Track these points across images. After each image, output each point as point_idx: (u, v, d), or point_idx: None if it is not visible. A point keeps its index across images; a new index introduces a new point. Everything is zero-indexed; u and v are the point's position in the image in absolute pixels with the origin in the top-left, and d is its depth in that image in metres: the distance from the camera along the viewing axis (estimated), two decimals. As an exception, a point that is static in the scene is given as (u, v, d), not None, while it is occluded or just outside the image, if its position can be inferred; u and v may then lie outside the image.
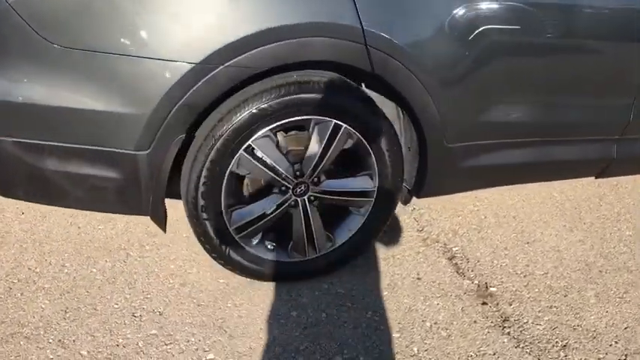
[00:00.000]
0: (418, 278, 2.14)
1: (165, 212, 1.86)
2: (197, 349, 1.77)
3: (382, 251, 2.26)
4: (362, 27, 1.69)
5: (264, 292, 2.01)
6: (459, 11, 1.79)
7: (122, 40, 1.58)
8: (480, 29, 1.82)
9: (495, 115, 2.00)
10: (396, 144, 1.93)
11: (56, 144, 1.68)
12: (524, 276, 2.17)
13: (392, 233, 2.36)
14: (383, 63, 1.77)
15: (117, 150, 1.68)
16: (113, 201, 1.78)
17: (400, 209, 2.45)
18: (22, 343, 1.75)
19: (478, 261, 2.24)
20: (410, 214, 2.51)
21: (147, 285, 2.01)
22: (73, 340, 1.77)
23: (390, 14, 1.74)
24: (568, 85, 2.07)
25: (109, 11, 1.57)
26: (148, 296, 1.96)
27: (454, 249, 2.31)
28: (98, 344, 1.76)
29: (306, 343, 1.82)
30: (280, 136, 1.91)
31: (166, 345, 1.78)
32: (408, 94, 1.86)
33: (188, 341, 1.80)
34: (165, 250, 2.18)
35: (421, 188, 2.08)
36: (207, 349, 1.77)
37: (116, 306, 1.91)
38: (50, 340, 1.76)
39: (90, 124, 1.66)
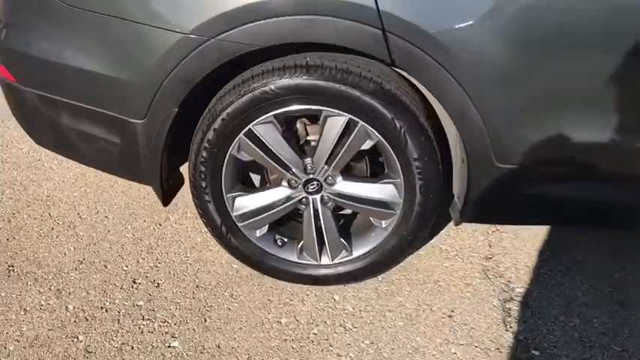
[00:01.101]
0: (449, 316, 1.78)
1: (172, 185, 1.79)
2: (167, 333, 1.70)
3: (424, 270, 1.93)
4: (377, 6, 1.39)
5: (266, 289, 1.86)
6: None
7: (120, 3, 1.52)
8: (547, 10, 1.38)
9: (568, 132, 1.53)
10: (429, 153, 1.59)
11: (67, 101, 1.70)
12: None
13: (450, 252, 2.01)
14: (406, 54, 1.45)
15: (117, 115, 1.65)
16: (118, 165, 1.77)
17: (476, 225, 2.08)
18: (29, 283, 1.85)
19: (538, 312, 1.79)
20: (487, 234, 2.11)
21: (164, 253, 1.99)
22: (69, 293, 1.82)
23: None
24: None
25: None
26: (158, 265, 1.94)
27: (517, 290, 1.88)
28: (87, 302, 1.79)
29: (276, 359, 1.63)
30: (299, 124, 1.71)
31: (142, 320, 1.74)
32: (440, 95, 1.51)
33: (164, 322, 1.74)
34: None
35: (465, 210, 1.71)
36: (176, 336, 1.69)
37: (125, 268, 1.92)
38: (51, 288, 1.84)
39: (95, 86, 1.64)
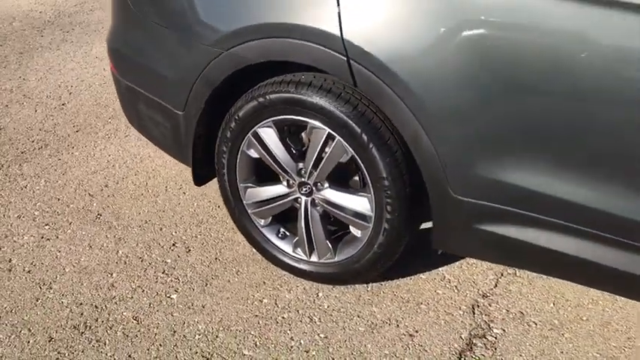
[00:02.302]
0: (411, 335, 1.87)
1: (209, 170, 2.15)
2: (172, 287, 2.07)
3: (414, 292, 2.02)
4: (342, 36, 1.60)
5: (267, 274, 2.12)
6: (460, 24, 1.47)
7: (166, 16, 1.95)
8: (490, 49, 1.45)
9: (515, 174, 1.55)
10: (396, 173, 1.72)
11: (142, 91, 2.17)
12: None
13: (451, 282, 2.06)
14: (365, 80, 1.63)
15: (168, 106, 2.07)
16: (169, 146, 2.20)
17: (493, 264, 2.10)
18: (104, 229, 2.37)
19: (500, 357, 1.78)
20: (500, 275, 2.10)
21: (208, 229, 2.36)
22: (124, 242, 2.30)
23: (376, 23, 1.57)
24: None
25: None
26: (198, 236, 2.33)
27: (494, 331, 1.87)
28: (132, 251, 2.25)
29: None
30: (305, 132, 1.96)
31: (162, 273, 2.14)
32: (395, 120, 1.65)
33: (176, 279, 2.11)
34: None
35: (434, 238, 1.79)
36: (178, 291, 2.06)
37: (173, 234, 2.34)
38: (115, 235, 2.33)
39: (157, 81, 2.08)
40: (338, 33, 1.60)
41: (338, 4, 1.59)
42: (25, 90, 3.59)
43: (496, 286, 2.05)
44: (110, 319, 1.96)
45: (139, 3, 2.04)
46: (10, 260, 2.22)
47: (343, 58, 1.63)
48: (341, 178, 1.92)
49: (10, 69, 3.88)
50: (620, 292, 1.67)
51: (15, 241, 2.31)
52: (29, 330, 1.92)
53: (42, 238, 2.33)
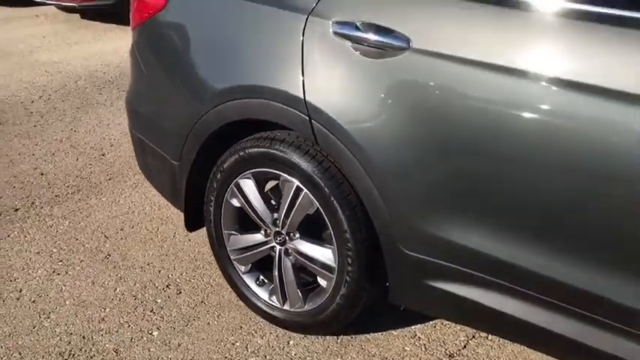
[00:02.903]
0: (369, 387, 1.91)
1: (197, 217, 2.30)
2: (155, 325, 2.21)
3: (382, 347, 2.06)
4: (305, 97, 1.76)
5: (245, 319, 2.22)
6: (400, 89, 1.59)
7: (164, 73, 2.17)
8: (426, 112, 1.57)
9: (454, 231, 1.62)
10: (355, 228, 1.82)
11: (149, 143, 2.39)
12: None
13: (421, 340, 2.09)
14: (324, 137, 1.77)
15: (167, 157, 2.27)
16: (170, 194, 2.38)
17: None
18: (110, 267, 2.56)
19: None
20: (471, 337, 2.11)
21: (202, 274, 2.51)
22: (124, 281, 2.47)
23: (332, 88, 1.72)
24: (565, 219, 1.46)
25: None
26: (191, 280, 2.47)
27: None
28: (128, 290, 2.41)
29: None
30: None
31: (150, 312, 2.28)
32: (350, 175, 1.77)
33: (162, 317, 2.25)
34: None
35: (389, 291, 1.86)
36: (160, 329, 2.19)
37: (170, 276, 2.50)
38: (118, 274, 2.51)
39: (160, 134, 2.30)
40: (302, 96, 1.76)
41: (303, 74, 1.75)
42: (73, 140, 3.93)
43: (465, 347, 2.07)
44: (93, 349, 2.10)
45: (150, 65, 2.28)
46: (20, 290, 2.43)
47: (306, 117, 1.77)
48: (314, 230, 2.03)
49: (65, 122, 4.27)
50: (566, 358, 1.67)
51: (29, 274, 2.53)
52: (19, 353, 2.09)
53: (53, 272, 2.54)
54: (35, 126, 4.21)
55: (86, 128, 4.15)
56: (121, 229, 2.87)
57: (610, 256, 1.43)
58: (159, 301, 2.35)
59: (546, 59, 1.41)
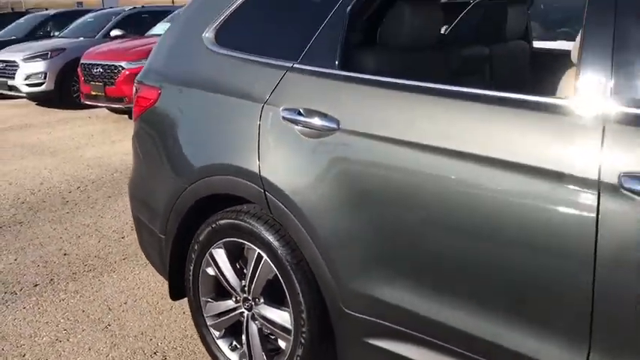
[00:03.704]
0: None
1: (178, 286, 2.51)
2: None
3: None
4: (260, 173, 2.01)
5: (219, 382, 2.37)
6: (335, 165, 1.83)
7: (156, 161, 2.47)
8: (351, 185, 1.78)
9: (385, 291, 1.78)
10: (310, 291, 2.00)
11: (142, 219, 2.66)
12: None
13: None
14: (275, 207, 1.99)
15: (155, 231, 2.53)
16: (159, 265, 2.61)
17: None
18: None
19: None
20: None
21: (166, 334, 2.69)
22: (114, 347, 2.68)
23: (281, 165, 1.97)
24: (479, 279, 1.60)
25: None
26: (151, 340, 2.65)
27: None
28: (71, 352, 2.61)
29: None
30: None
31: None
32: (297, 240, 1.96)
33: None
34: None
35: (337, 352, 2.00)
36: None
37: (130, 334, 2.69)
38: (72, 338, 2.72)
39: (151, 211, 2.57)
40: (257, 171, 2.01)
41: (258, 153, 2.01)
42: (99, 225, 4.28)
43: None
44: (76, 406, 2.29)
45: (144, 152, 2.60)
46: (24, 355, 2.66)
47: (261, 190, 2.01)
48: (276, 295, 2.21)
49: (95, 209, 4.66)
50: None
51: (35, 341, 2.77)
52: (11, 408, 2.29)
53: (56, 339, 2.77)
54: (68, 212, 4.60)
55: (112, 214, 4.50)
56: (125, 303, 3.10)
57: (516, 311, 1.56)
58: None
59: (449, 135, 1.62)
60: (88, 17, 11.18)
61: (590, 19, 1.46)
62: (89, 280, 3.39)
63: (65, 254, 3.79)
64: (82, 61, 8.54)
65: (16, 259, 3.73)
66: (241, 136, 2.09)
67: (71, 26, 11.09)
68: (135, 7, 11.00)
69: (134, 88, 2.64)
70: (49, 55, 9.52)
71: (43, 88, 9.55)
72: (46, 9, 15.36)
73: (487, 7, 2.86)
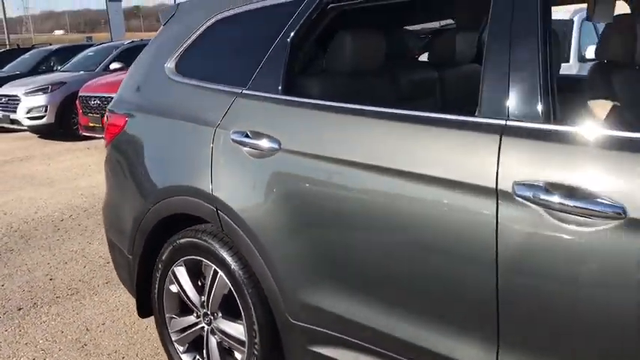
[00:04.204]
0: None
1: (146, 304, 2.62)
2: None
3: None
4: (212, 192, 2.14)
5: (183, 396, 2.47)
6: (276, 185, 1.95)
7: (125, 185, 2.61)
8: (293, 201, 1.91)
9: (324, 301, 1.88)
10: (261, 303, 2.10)
11: (114, 241, 2.78)
12: None
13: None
14: (226, 223, 2.12)
15: (124, 251, 2.65)
16: (128, 285, 2.73)
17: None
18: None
19: None
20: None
21: (138, 352, 2.79)
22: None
23: (231, 186, 2.09)
24: (399, 284, 1.71)
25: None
26: (124, 358, 2.75)
27: None
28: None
29: None
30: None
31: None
32: (249, 258, 2.08)
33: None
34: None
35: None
36: None
37: (104, 353, 2.79)
38: (48, 358, 2.83)
39: (120, 232, 2.69)
40: (210, 191, 2.14)
41: (211, 174, 2.15)
42: (86, 251, 4.41)
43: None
44: (45, 420, 2.38)
45: (113, 176, 2.74)
46: (1, 374, 2.77)
47: (214, 209, 2.14)
48: (233, 310, 2.32)
49: (85, 235, 4.79)
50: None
51: (12, 361, 2.89)
52: (-17, 423, 2.40)
53: (33, 359, 2.88)
54: (58, 239, 4.74)
55: (100, 241, 4.63)
56: (103, 323, 3.21)
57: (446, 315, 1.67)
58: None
59: (373, 153, 1.75)
60: (88, 51, 11.48)
61: (489, 47, 1.60)
62: (71, 304, 3.50)
63: (51, 279, 3.91)
64: (80, 94, 8.78)
65: (3, 285, 3.85)
66: (196, 158, 2.22)
67: (72, 60, 11.39)
68: (133, 41, 11.31)
69: (106, 117, 2.80)
70: (49, 89, 9.78)
71: (44, 121, 9.78)
72: (50, 44, 15.74)
73: (435, 33, 3.00)
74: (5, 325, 3.26)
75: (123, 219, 2.64)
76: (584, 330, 1.40)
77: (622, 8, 2.69)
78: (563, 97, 2.35)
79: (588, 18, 2.11)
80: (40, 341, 3.07)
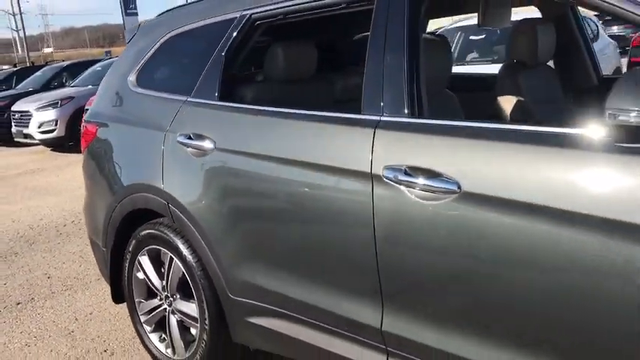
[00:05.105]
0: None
1: (120, 292, 2.95)
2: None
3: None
4: (163, 186, 2.46)
5: (152, 371, 2.79)
6: (215, 180, 2.27)
7: (99, 183, 2.94)
8: (230, 194, 2.23)
9: (259, 277, 2.19)
10: (209, 284, 2.41)
11: (93, 239, 3.11)
12: None
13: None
14: (175, 215, 2.43)
15: (99, 244, 2.98)
16: (105, 275, 3.06)
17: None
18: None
19: None
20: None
21: (118, 337, 3.11)
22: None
23: (179, 182, 2.41)
24: (305, 257, 2.03)
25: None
26: (105, 342, 3.07)
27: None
28: (35, 354, 3.04)
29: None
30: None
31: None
32: (195, 244, 2.39)
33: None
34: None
35: (230, 332, 2.40)
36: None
37: (88, 338, 3.12)
38: (39, 343, 3.16)
39: (96, 229, 3.01)
40: (162, 187, 2.46)
41: (162, 172, 2.46)
42: (84, 252, 4.77)
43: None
44: (30, 393, 2.72)
45: (89, 178, 3.07)
46: (-6, 357, 3.12)
47: (165, 202, 2.46)
48: (189, 291, 2.62)
49: (84, 238, 5.14)
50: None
51: (7, 347, 3.23)
52: (-23, 397, 2.74)
53: (26, 345, 3.23)
54: (59, 243, 5.11)
55: (97, 242, 4.98)
56: (90, 313, 3.55)
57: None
58: (94, 360, 2.97)
59: (287, 147, 2.05)
60: (97, 66, 11.95)
61: (369, 54, 1.90)
62: (65, 298, 3.85)
63: (49, 277, 4.27)
64: (86, 107, 9.19)
65: (5, 283, 4.22)
66: (151, 159, 2.54)
67: (82, 75, 11.86)
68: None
69: (82, 127, 3.14)
70: (59, 104, 10.24)
71: (54, 134, 10.24)
72: (63, 60, 16.30)
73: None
74: (4, 318, 3.62)
75: (98, 216, 2.96)
76: (440, 284, 1.69)
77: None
78: (477, 94, 2.67)
79: (479, 24, 2.37)
80: (34, 330, 3.41)
